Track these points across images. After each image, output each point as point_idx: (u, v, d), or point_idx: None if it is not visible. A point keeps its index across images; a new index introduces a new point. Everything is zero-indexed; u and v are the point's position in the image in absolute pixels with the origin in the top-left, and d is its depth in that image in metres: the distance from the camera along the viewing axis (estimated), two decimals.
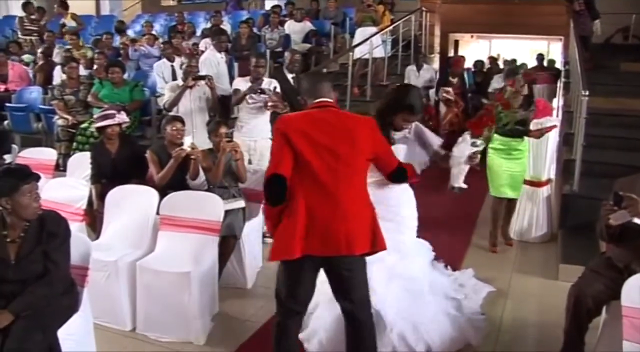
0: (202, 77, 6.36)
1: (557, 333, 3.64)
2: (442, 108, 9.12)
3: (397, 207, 3.70)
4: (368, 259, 3.14)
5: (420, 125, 3.70)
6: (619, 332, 2.94)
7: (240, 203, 4.76)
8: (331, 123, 3.03)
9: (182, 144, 4.71)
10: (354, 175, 3.04)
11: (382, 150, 3.21)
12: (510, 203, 5.72)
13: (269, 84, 5.98)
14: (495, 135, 5.36)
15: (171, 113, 6.03)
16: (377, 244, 3.06)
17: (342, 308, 3.19)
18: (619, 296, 3.00)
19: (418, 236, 3.92)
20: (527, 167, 5.70)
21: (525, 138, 5.46)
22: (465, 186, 3.70)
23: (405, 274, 3.73)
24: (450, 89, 8.69)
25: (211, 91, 6.35)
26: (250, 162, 5.82)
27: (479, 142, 3.60)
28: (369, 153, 3.09)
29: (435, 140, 3.72)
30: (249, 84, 5.93)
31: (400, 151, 3.54)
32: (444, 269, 4.54)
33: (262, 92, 5.80)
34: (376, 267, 3.46)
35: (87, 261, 3.34)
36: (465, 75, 10.48)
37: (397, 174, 3.34)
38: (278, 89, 5.93)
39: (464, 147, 3.56)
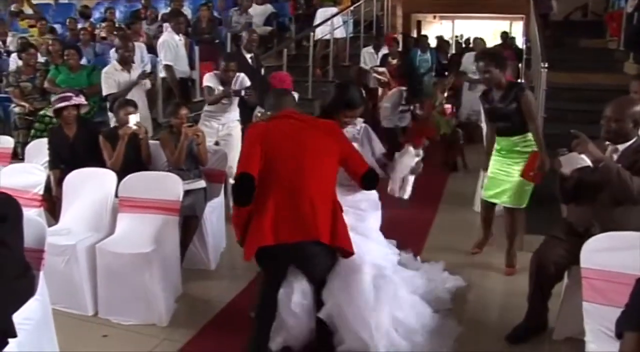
0: (149, 74, 6.51)
1: (522, 302, 3.68)
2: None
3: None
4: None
5: (369, 129, 3.66)
6: (580, 297, 2.97)
7: (201, 183, 4.73)
8: (296, 128, 3.18)
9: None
10: (319, 175, 3.13)
11: (348, 151, 3.28)
12: (512, 215, 4.65)
13: (241, 80, 5.89)
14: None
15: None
16: (337, 238, 3.12)
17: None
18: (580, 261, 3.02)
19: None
20: None
21: (529, 135, 4.46)
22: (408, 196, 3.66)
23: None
24: (383, 70, 8.20)
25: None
26: (217, 143, 5.76)
27: (421, 151, 3.55)
28: (335, 154, 3.20)
29: (378, 149, 3.64)
30: (218, 81, 5.82)
31: None
32: (413, 260, 4.47)
33: (237, 94, 5.77)
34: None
35: (43, 243, 3.20)
36: (429, 56, 10.44)
37: (368, 178, 3.31)
38: (248, 83, 5.88)
39: (408, 159, 3.49)
